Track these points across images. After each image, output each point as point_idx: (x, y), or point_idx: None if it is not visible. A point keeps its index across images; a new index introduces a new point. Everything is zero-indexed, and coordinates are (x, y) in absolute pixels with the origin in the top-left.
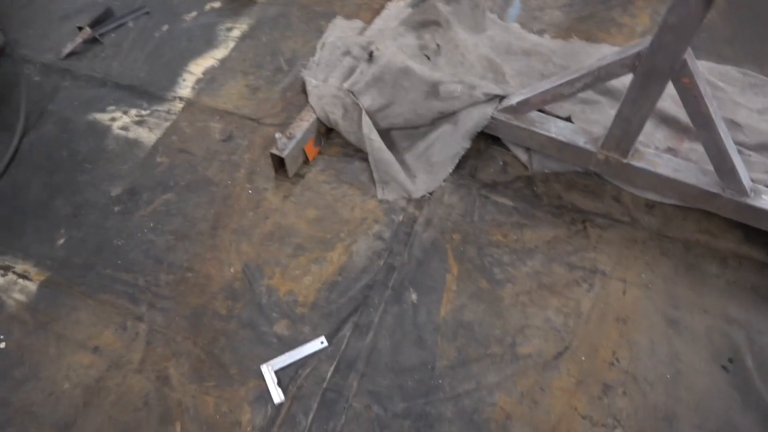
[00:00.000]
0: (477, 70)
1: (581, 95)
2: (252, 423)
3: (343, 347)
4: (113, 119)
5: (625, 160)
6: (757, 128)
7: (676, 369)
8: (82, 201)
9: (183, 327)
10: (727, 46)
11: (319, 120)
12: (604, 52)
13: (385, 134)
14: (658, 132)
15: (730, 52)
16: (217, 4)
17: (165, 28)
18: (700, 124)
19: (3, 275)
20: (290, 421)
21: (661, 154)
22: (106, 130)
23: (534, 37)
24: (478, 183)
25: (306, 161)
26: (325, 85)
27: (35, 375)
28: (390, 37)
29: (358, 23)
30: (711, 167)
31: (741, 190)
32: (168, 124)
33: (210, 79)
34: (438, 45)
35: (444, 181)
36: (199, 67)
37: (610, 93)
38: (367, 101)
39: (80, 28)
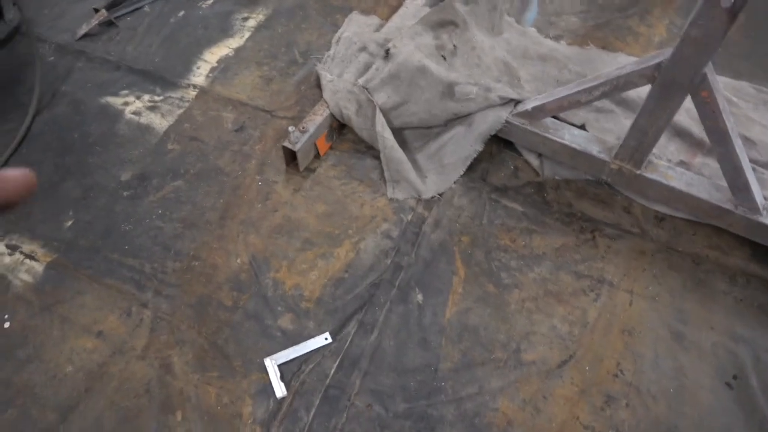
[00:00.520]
0: (493, 72)
1: (596, 104)
2: (253, 416)
3: (347, 344)
4: (126, 103)
5: (638, 172)
6: None
7: (680, 383)
8: (92, 184)
9: (188, 315)
10: (742, 61)
11: (332, 115)
12: (621, 61)
13: (397, 133)
14: (671, 145)
15: (745, 68)
16: None
17: (181, 14)
18: (716, 140)
19: (10, 254)
20: (292, 416)
21: (675, 167)
22: (118, 114)
23: (550, 43)
24: (489, 186)
25: (317, 156)
26: (340, 80)
27: (38, 356)
28: (407, 36)
29: (374, 19)
30: (724, 183)
31: (754, 207)
32: (181, 111)
33: (224, 68)
34: (455, 45)
35: (454, 182)
36: (213, 55)
37: (624, 103)
38: (381, 98)
39: (96, 10)
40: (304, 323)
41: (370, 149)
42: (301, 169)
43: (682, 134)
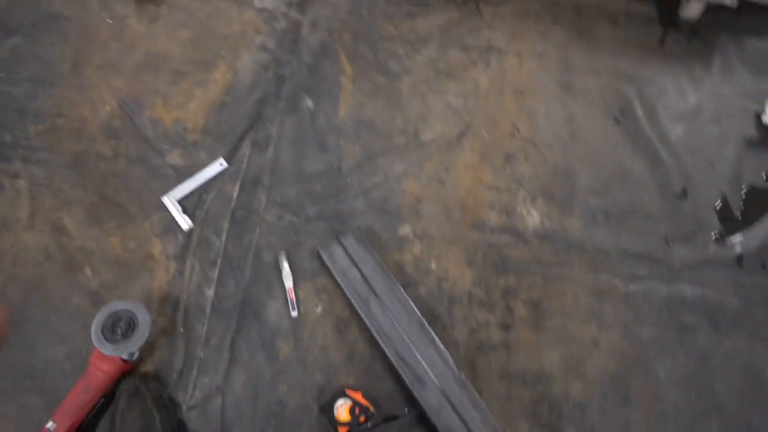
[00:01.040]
0: None
1: None
2: (165, 253)
3: (244, 166)
4: None
5: None
6: None
7: (572, 129)
8: None
9: (67, 176)
10: None
11: None
12: None
13: None
14: None
15: None
16: None
17: None
18: None
19: None
20: (204, 243)
21: None
22: None
23: None
24: None
25: None
26: None
27: None
28: None
29: None
30: None
31: None
32: None
33: None
34: None
35: None
36: None
37: None
38: None
39: None
40: (195, 155)
41: None
42: None
43: None
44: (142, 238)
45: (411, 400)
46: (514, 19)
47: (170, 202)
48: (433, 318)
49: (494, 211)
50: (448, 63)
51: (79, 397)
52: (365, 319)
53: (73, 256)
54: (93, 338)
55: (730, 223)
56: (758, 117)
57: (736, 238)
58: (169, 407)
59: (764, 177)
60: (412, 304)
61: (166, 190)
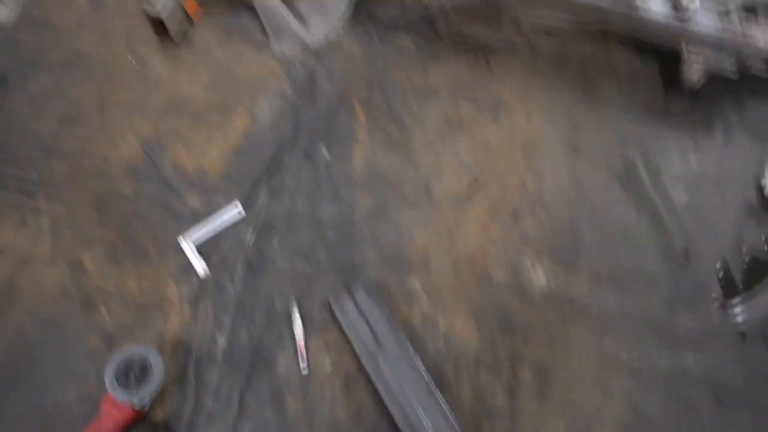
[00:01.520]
0: None
1: None
2: (179, 295)
3: (260, 212)
4: None
5: None
6: None
7: (578, 188)
8: None
9: (89, 214)
10: None
11: None
12: None
13: None
14: None
15: None
16: None
17: None
18: None
19: None
20: (218, 288)
21: None
22: None
23: None
24: (378, 26)
25: (190, 22)
26: None
27: None
28: None
29: None
30: None
31: (632, 4)
32: None
33: None
34: None
35: (342, 29)
36: None
37: None
38: None
39: None
40: (213, 199)
41: (246, 6)
42: (175, 39)
43: None
44: (158, 280)
45: None
46: (523, 74)
47: (187, 244)
48: (439, 377)
49: (501, 268)
50: (459, 115)
51: None
52: (373, 378)
53: (91, 295)
54: (107, 383)
55: (731, 290)
56: (759, 183)
57: (738, 309)
58: None
59: (765, 244)
60: (420, 363)
61: (183, 232)
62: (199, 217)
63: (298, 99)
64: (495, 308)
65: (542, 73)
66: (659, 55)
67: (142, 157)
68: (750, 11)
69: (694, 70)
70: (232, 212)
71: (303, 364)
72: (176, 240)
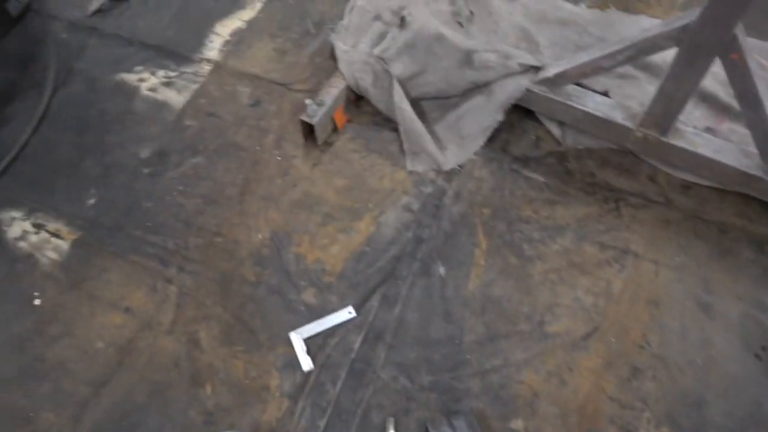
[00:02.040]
0: (510, 38)
1: (618, 69)
2: (281, 389)
3: (371, 318)
4: (141, 80)
5: (664, 139)
6: None
7: (707, 355)
8: (112, 162)
9: (212, 291)
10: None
11: (348, 87)
12: (643, 24)
13: (415, 103)
14: (696, 110)
15: None
16: None
17: None
18: (746, 104)
19: (36, 233)
20: (318, 389)
21: (702, 133)
22: (134, 90)
23: (569, 6)
24: (510, 157)
25: (335, 129)
26: (354, 50)
27: (69, 332)
28: (422, 2)
29: None
30: (752, 149)
31: None
32: (196, 86)
33: (237, 41)
34: (471, 11)
35: (474, 154)
36: (226, 28)
37: (648, 68)
38: (398, 68)
39: None
40: (327, 297)
41: (388, 121)
42: (320, 142)
43: (708, 99)
44: (264, 369)
45: None
46: (654, 226)
47: (297, 339)
48: None
49: (614, 428)
50: (582, 257)
51: None
52: None
53: (200, 371)
54: None
55: None
56: None
57: None
58: None
59: None
60: None
61: (294, 325)
62: (312, 312)
63: (423, 215)
64: None
65: (676, 228)
66: None
67: (269, 246)
68: None
69: None
70: (344, 315)
71: None
72: (287, 332)
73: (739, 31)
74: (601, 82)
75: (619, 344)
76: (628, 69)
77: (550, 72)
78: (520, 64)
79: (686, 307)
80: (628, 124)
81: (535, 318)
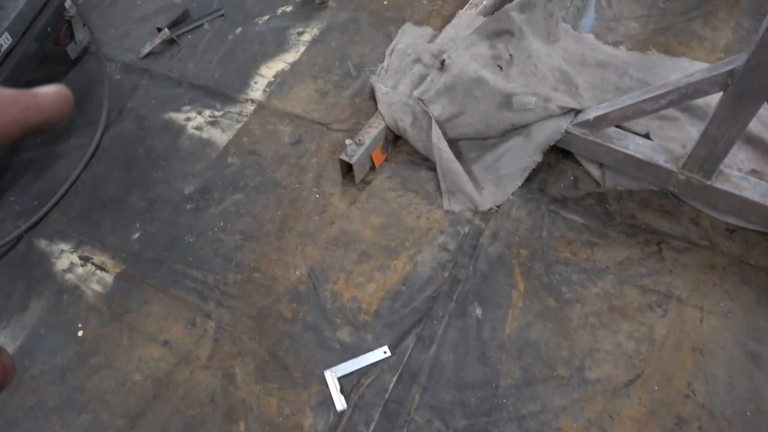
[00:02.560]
0: (549, 81)
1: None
2: (314, 428)
3: (405, 358)
4: (188, 119)
5: (708, 182)
6: None
7: (757, 407)
8: (156, 197)
9: (249, 327)
10: None
11: (387, 127)
12: (684, 66)
13: (453, 144)
14: (741, 153)
15: None
16: (289, 8)
17: (238, 30)
18: None
19: (83, 265)
20: (351, 429)
21: (748, 177)
22: (181, 129)
23: (609, 49)
24: (548, 198)
25: (372, 168)
26: (394, 92)
27: (109, 364)
28: (462, 46)
29: (428, 30)
30: None
31: None
32: (240, 125)
33: (280, 83)
34: (511, 55)
35: (512, 194)
36: (270, 70)
37: (689, 110)
38: (437, 110)
39: (159, 29)
40: (363, 336)
41: (425, 161)
42: (357, 181)
43: (754, 142)
44: (298, 407)
45: None
46: (698, 270)
47: (331, 377)
48: None
49: None
50: (623, 301)
51: None
52: None
53: (234, 407)
54: None
55: None
56: None
57: None
58: None
59: None
60: None
61: (329, 363)
62: (347, 350)
63: (460, 255)
64: None
65: (721, 273)
66: None
67: (306, 283)
68: None
69: None
70: (379, 355)
71: None
72: (321, 370)
73: None
74: (641, 123)
75: (662, 393)
76: (668, 110)
77: (590, 115)
78: (560, 107)
79: (733, 356)
80: (671, 166)
81: (574, 363)
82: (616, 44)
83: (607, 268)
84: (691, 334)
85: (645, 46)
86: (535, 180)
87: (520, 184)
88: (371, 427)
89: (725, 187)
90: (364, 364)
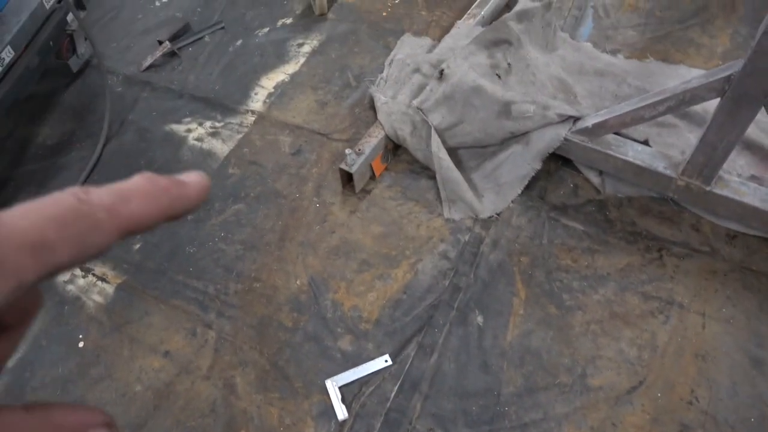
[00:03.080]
0: (548, 89)
1: (658, 118)
2: None
3: (407, 367)
4: (189, 130)
5: (707, 188)
6: None
7: (761, 413)
8: None
9: (250, 336)
10: None
11: (387, 137)
12: (682, 74)
13: (452, 153)
14: (740, 159)
15: None
16: (288, 21)
17: (239, 43)
18: None
19: (84, 277)
20: None
21: (747, 182)
22: (181, 140)
23: (607, 57)
24: (548, 205)
25: (372, 177)
26: (394, 102)
27: (109, 375)
28: (461, 56)
29: (426, 41)
30: None
31: None
32: (240, 136)
33: (281, 94)
34: (509, 64)
35: (512, 202)
36: (270, 81)
37: (688, 116)
38: (436, 119)
39: (160, 42)
40: (364, 345)
41: (425, 170)
42: (357, 190)
43: (753, 147)
44: (299, 417)
45: None
46: (700, 276)
47: (332, 387)
48: None
49: None
50: (625, 307)
51: None
52: None
53: (235, 417)
54: None
55: None
56: None
57: None
58: None
59: None
60: None
61: (330, 373)
62: (348, 359)
63: (460, 263)
64: None
65: (722, 278)
66: None
67: (306, 292)
68: None
69: None
70: (380, 364)
71: None
72: (322, 380)
73: None
74: (639, 130)
75: (665, 400)
76: (667, 117)
77: (589, 122)
78: (558, 115)
79: (736, 362)
80: (670, 173)
81: (576, 370)
82: (614, 52)
83: (608, 275)
84: (694, 340)
85: (643, 54)
86: (535, 187)
87: (519, 191)
88: None
89: (725, 192)
90: (365, 373)
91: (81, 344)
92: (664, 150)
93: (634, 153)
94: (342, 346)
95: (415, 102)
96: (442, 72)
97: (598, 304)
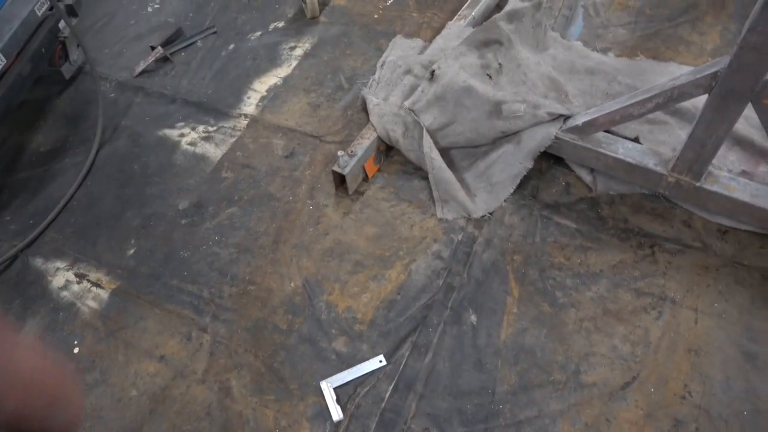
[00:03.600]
0: (539, 89)
1: (648, 115)
2: None
3: (401, 367)
4: (182, 135)
5: (698, 184)
6: None
7: (754, 406)
8: (151, 213)
9: (244, 339)
10: None
11: (379, 138)
12: (672, 71)
13: (444, 153)
14: (731, 154)
15: None
16: (280, 24)
17: (231, 47)
18: None
19: (78, 283)
20: None
21: (737, 177)
22: (175, 145)
23: (597, 56)
24: (540, 204)
25: (365, 179)
26: (386, 103)
27: (105, 380)
28: (452, 57)
29: (418, 42)
30: None
31: None
32: (233, 140)
33: (273, 97)
34: (500, 64)
35: (504, 201)
36: (263, 84)
37: (678, 113)
38: (428, 120)
39: (152, 48)
40: (358, 346)
41: (417, 170)
42: (351, 192)
43: (743, 143)
44: (294, 419)
45: None
46: (692, 272)
47: (327, 388)
48: None
49: None
50: (618, 304)
51: None
52: None
53: (231, 420)
54: None
55: None
56: None
57: None
58: None
59: None
60: None
61: (324, 374)
62: (342, 360)
63: (454, 263)
64: None
65: (714, 274)
66: None
67: (301, 294)
68: None
69: None
70: (375, 364)
71: None
72: (317, 381)
73: None
74: (630, 128)
75: (659, 395)
76: (657, 114)
77: (579, 120)
78: (549, 113)
79: (729, 356)
80: (660, 169)
81: (570, 367)
82: (604, 51)
83: (601, 272)
84: (686, 335)
85: (633, 52)
86: (527, 186)
87: (512, 190)
88: None
89: (715, 188)
90: (360, 374)
91: (76, 350)
92: (656, 147)
93: (624, 150)
94: (337, 347)
95: (406, 103)
96: (433, 73)
97: (591, 301)
